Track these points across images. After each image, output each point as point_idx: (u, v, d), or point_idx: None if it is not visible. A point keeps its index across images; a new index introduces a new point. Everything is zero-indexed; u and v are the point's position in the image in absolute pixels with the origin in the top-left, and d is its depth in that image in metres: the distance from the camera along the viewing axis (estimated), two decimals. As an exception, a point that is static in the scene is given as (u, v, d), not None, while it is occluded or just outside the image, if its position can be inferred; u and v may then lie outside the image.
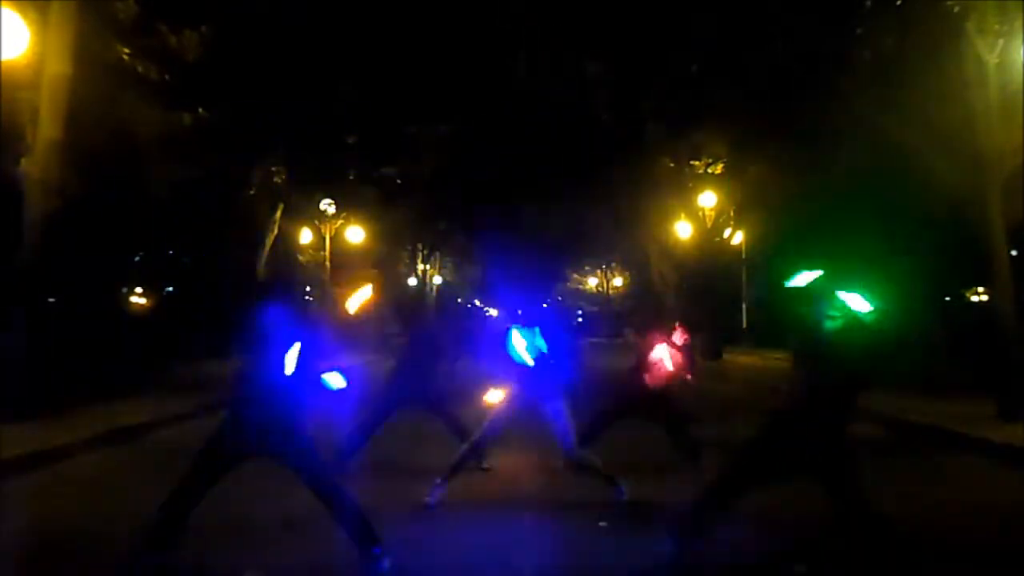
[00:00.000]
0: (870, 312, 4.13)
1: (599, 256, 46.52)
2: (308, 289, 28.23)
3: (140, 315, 24.01)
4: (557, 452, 6.25)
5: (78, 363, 12.96)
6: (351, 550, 4.27)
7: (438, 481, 5.85)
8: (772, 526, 5.16)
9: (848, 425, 4.27)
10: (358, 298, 6.26)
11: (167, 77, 11.78)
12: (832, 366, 4.19)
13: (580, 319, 51.61)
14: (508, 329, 5.86)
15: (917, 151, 10.22)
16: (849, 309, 4.13)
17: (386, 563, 4.23)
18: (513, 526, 5.41)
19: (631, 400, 7.17)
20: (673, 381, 6.96)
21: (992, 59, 9.26)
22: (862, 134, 12.14)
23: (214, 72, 13.11)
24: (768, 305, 22.63)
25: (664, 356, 6.81)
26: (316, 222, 25.47)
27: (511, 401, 5.86)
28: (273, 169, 19.84)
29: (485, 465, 6.90)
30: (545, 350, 5.79)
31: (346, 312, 6.33)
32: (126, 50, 11.14)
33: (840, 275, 4.27)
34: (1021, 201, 9.35)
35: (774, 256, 20.37)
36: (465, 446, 6.05)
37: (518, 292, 6.17)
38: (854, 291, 4.15)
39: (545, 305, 6.60)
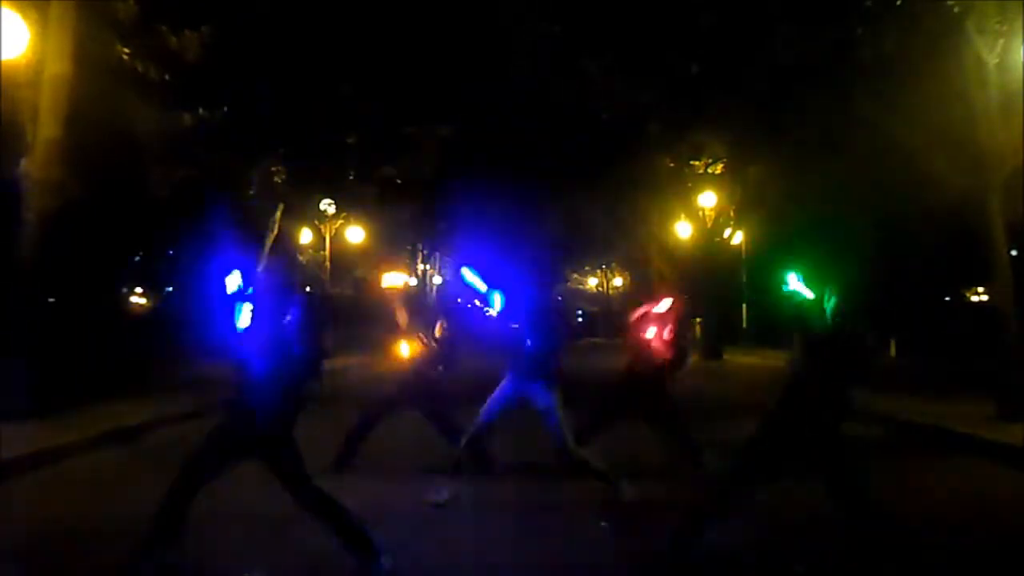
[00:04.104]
0: (813, 299, 4.28)
1: (599, 256, 46.47)
2: (308, 289, 28.25)
3: (140, 315, 24.05)
4: (554, 450, 6.26)
5: (78, 363, 12.96)
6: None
7: (447, 480, 5.85)
8: (772, 526, 5.16)
9: (838, 421, 4.29)
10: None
11: (167, 77, 11.76)
12: (810, 358, 4.26)
13: (580, 319, 51.62)
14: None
15: (917, 151, 10.22)
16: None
17: (386, 563, 4.23)
18: (513, 526, 5.41)
19: (627, 395, 7.18)
20: (664, 369, 7.02)
21: (992, 59, 9.25)
22: (862, 134, 12.13)
23: (214, 72, 13.09)
24: (767, 305, 22.65)
25: (655, 340, 6.89)
26: (316, 222, 25.47)
27: (503, 391, 6.07)
28: (273, 169, 19.84)
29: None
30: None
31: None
32: (126, 50, 11.12)
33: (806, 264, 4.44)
34: (1021, 201, 9.34)
35: (774, 256, 20.38)
36: (463, 440, 6.21)
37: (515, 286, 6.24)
38: (799, 274, 4.32)
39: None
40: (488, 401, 6.32)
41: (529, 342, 6.05)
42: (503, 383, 6.28)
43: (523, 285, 6.32)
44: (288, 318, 4.31)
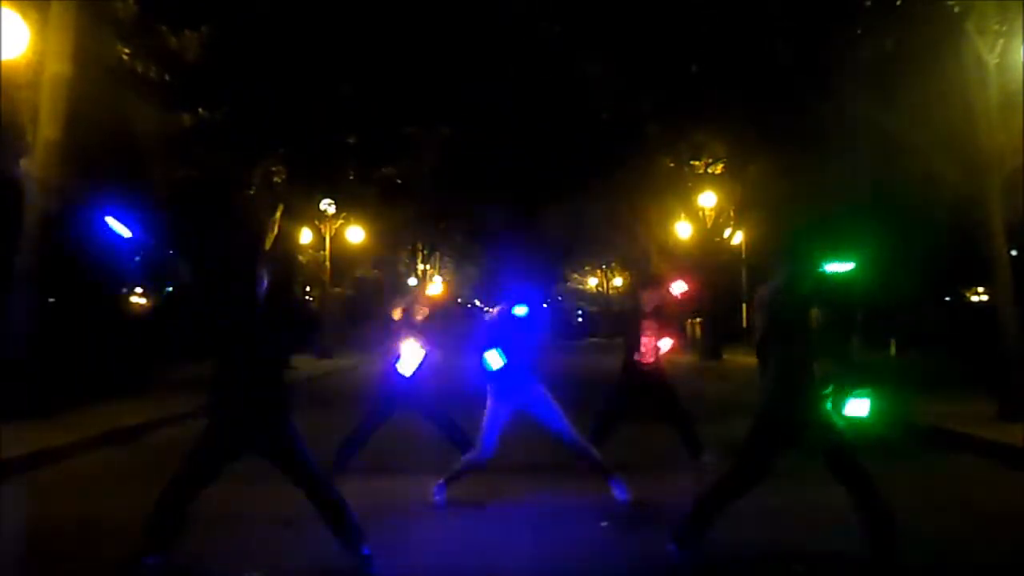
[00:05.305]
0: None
1: (599, 256, 46.51)
2: (308, 289, 28.25)
3: (140, 315, 24.02)
4: (556, 451, 6.25)
5: (78, 363, 12.95)
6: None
7: (442, 482, 5.82)
8: (772, 526, 5.16)
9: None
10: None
11: (167, 77, 11.77)
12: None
13: (580, 319, 51.70)
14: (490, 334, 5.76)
15: (917, 151, 10.22)
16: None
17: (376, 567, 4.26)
18: (513, 526, 5.41)
19: (632, 391, 7.23)
20: (661, 358, 7.12)
21: (992, 59, 9.25)
22: (862, 134, 12.13)
23: (214, 72, 13.10)
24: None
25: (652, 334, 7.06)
26: (316, 222, 25.46)
27: (497, 405, 5.70)
28: (273, 169, 19.84)
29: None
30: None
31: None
32: (126, 50, 11.13)
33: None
34: (1021, 201, 9.34)
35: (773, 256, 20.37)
36: (466, 459, 5.89)
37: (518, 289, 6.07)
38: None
39: (545, 305, 6.62)
40: (484, 424, 5.70)
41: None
42: (495, 407, 5.71)
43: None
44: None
